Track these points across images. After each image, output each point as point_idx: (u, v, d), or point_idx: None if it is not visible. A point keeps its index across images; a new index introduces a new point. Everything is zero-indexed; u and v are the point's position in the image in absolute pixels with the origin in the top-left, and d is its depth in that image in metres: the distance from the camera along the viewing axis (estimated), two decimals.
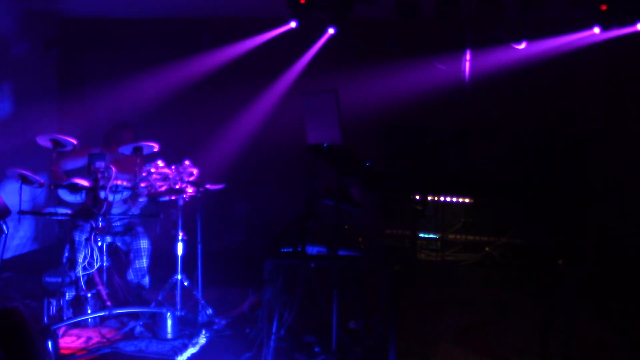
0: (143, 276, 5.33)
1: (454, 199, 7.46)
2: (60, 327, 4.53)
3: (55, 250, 5.31)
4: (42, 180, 4.85)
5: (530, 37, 6.64)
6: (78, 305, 4.79)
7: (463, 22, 6.67)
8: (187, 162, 4.97)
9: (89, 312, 4.76)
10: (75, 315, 4.73)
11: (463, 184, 4.68)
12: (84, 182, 4.80)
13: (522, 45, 6.70)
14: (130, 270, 5.32)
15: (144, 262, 5.31)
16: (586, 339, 4.71)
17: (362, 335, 4.34)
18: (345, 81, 6.49)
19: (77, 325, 4.78)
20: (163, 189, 4.94)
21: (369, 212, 4.60)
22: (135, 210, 5.37)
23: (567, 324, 3.98)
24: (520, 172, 7.05)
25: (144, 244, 5.31)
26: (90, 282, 4.89)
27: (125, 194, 4.96)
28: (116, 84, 7.50)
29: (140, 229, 5.40)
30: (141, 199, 5.21)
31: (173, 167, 4.94)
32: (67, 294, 4.79)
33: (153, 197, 4.98)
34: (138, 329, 4.78)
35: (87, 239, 4.84)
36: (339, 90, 4.03)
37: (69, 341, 4.56)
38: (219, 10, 7.30)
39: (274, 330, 4.15)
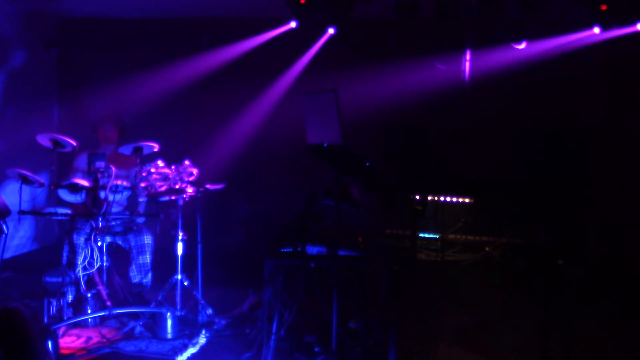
0: (146, 273, 5.32)
1: (454, 199, 7.46)
2: (60, 327, 4.53)
3: (55, 250, 5.31)
4: (42, 180, 4.85)
5: (530, 37, 6.65)
6: (78, 305, 4.79)
7: (463, 22, 6.67)
8: (187, 162, 4.97)
9: (89, 312, 4.76)
10: (75, 315, 4.73)
11: (463, 184, 4.68)
12: (84, 182, 4.80)
13: (522, 45, 6.71)
14: (133, 267, 5.31)
15: (148, 257, 5.30)
16: (586, 339, 4.71)
17: (362, 335, 4.34)
18: (345, 81, 6.48)
19: (77, 325, 4.77)
20: (163, 189, 4.94)
21: (369, 212, 4.59)
22: (141, 208, 5.37)
23: (567, 324, 3.97)
24: (520, 172, 7.05)
25: (147, 239, 5.30)
26: (90, 282, 4.89)
27: (125, 194, 4.96)
28: (116, 84, 7.51)
29: (142, 225, 5.40)
30: (141, 199, 5.22)
31: (173, 167, 4.94)
32: (68, 295, 4.80)
33: (153, 197, 4.97)
34: (138, 329, 4.78)
35: (87, 239, 4.83)
36: (339, 90, 4.03)
37: (69, 341, 4.56)
38: (219, 10, 7.30)
39: (274, 330, 4.15)
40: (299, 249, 4.11)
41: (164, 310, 4.67)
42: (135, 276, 5.31)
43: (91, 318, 4.81)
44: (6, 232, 4.69)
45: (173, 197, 4.98)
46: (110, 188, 4.78)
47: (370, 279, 4.31)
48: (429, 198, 7.26)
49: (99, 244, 4.87)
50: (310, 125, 4.37)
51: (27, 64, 7.44)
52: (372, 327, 4.34)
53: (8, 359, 3.30)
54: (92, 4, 7.33)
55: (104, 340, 4.58)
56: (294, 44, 7.25)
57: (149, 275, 5.35)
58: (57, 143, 4.83)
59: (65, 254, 5.07)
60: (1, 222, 4.63)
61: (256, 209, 7.81)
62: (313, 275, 4.15)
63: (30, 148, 5.48)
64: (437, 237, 7.47)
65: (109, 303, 4.83)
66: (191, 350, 4.48)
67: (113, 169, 4.82)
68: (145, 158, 5.00)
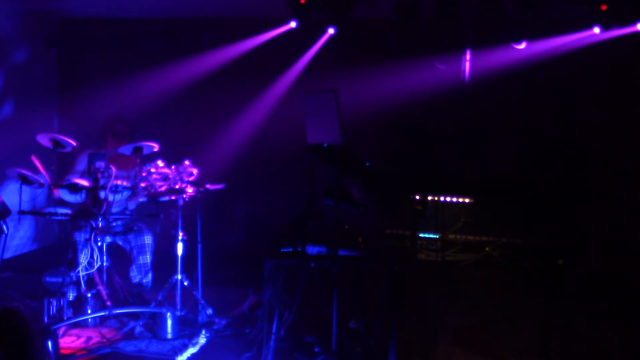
0: (147, 273, 5.32)
1: (454, 199, 7.46)
2: (60, 327, 4.53)
3: (55, 250, 5.32)
4: (42, 180, 4.85)
5: (530, 37, 6.65)
6: (78, 305, 4.79)
7: (463, 22, 6.67)
8: (187, 162, 4.97)
9: (89, 312, 4.76)
10: (75, 315, 4.73)
11: (463, 184, 4.68)
12: (84, 182, 4.80)
13: (522, 45, 6.71)
14: (134, 267, 5.31)
15: (148, 257, 5.30)
16: (586, 339, 4.71)
17: (362, 335, 4.34)
18: (345, 81, 6.49)
19: (77, 325, 4.77)
20: (163, 189, 4.94)
21: (369, 212, 4.59)
22: (131, 206, 5.37)
23: (567, 324, 3.97)
24: (520, 172, 7.05)
25: (147, 239, 5.31)
26: (90, 282, 4.89)
27: (125, 194, 4.96)
28: (116, 84, 7.51)
29: (142, 225, 5.40)
30: (141, 199, 5.22)
31: (173, 167, 4.93)
32: (69, 294, 4.80)
33: (153, 197, 4.97)
34: (138, 329, 4.78)
35: (87, 239, 4.83)
36: (339, 90, 4.03)
37: (69, 341, 4.56)
38: (219, 10, 7.30)
39: (274, 330, 4.15)
40: (299, 249, 4.11)
41: (164, 310, 4.67)
42: (135, 276, 5.31)
43: (91, 318, 4.80)
44: (6, 232, 4.69)
45: (173, 197, 4.98)
46: (110, 188, 4.78)
47: (370, 279, 4.30)
48: (429, 198, 7.25)
49: (99, 244, 4.87)
50: (310, 125, 4.37)
51: (27, 64, 7.43)
52: (372, 327, 4.34)
53: (8, 359, 3.30)
54: (92, 4, 7.34)
55: (104, 340, 4.58)
56: (294, 44, 7.25)
57: (150, 275, 5.35)
58: (57, 143, 4.83)
59: (69, 255, 5.07)
60: (1, 222, 4.63)
61: (256, 209, 7.81)
62: (313, 275, 4.15)
63: (30, 148, 5.47)
64: (437, 237, 7.47)
65: (109, 303, 4.83)
66: (191, 350, 4.48)
67: (113, 169, 4.82)
68: (145, 158, 5.00)
